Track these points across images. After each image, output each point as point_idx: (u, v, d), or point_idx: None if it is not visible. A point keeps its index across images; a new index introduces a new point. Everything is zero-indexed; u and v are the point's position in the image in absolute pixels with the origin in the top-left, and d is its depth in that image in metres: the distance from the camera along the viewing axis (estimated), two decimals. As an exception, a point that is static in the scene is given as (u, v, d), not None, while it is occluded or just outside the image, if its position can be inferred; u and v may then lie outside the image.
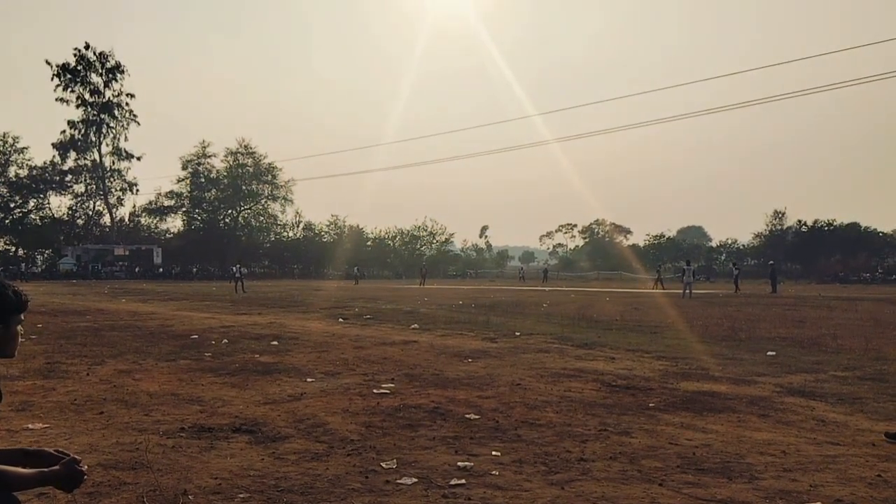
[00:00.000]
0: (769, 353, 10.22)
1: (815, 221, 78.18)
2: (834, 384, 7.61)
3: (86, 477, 2.05)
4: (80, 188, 72.41)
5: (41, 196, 70.69)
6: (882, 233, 77.90)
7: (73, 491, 2.01)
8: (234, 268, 37.06)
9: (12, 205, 69.08)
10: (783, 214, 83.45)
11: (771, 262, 44.58)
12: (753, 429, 5.47)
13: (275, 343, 11.16)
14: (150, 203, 78.58)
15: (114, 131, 71.05)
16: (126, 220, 77.97)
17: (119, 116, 70.74)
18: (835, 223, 76.92)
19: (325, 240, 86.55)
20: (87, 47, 67.86)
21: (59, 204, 73.78)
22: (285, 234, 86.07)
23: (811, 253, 73.71)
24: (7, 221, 68.35)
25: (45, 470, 1.98)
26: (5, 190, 68.40)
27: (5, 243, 70.64)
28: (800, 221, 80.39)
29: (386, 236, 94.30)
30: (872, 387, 7.47)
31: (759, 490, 3.95)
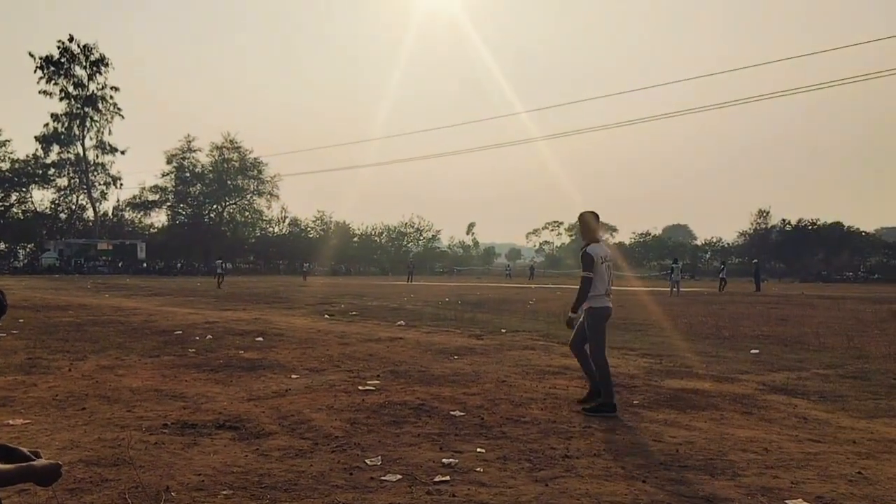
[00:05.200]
0: (752, 350, 10.29)
1: (799, 220, 78.81)
2: (816, 382, 7.68)
3: (63, 470, 2.03)
4: (63, 182, 71.67)
5: (24, 190, 69.85)
6: (865, 232, 78.67)
7: (52, 485, 1.99)
8: (216, 262, 37.23)
9: (-6, 198, 68.30)
10: (768, 213, 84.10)
11: (755, 260, 44.87)
12: (736, 426, 5.51)
13: (259, 339, 11.10)
14: (134, 197, 77.96)
15: (98, 125, 70.40)
16: (110, 214, 77.26)
17: (103, 110, 70.06)
18: (818, 222, 77.57)
19: (311, 236, 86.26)
20: (70, 39, 67.17)
21: (41, 198, 72.97)
22: (271, 229, 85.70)
23: (795, 252, 74.36)
24: (-11, 215, 67.60)
25: (24, 465, 1.96)
26: (-13, 183, 67.63)
27: (-13, 237, 69.88)
28: (784, 220, 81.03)
29: (372, 232, 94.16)
30: (854, 385, 7.54)
31: (742, 487, 3.97)
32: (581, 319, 6.28)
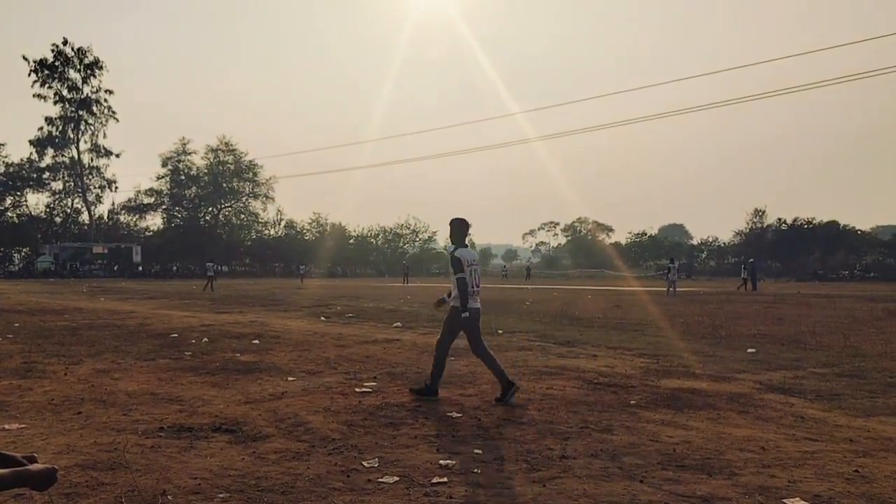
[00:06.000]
0: (749, 350, 10.31)
1: (795, 219, 79.04)
2: (813, 381, 7.69)
3: (59, 475, 2.02)
4: (58, 185, 71.59)
5: (18, 193, 69.73)
6: (860, 231, 78.90)
7: (48, 490, 1.98)
8: (207, 265, 37.15)
9: (-11, 202, 68.09)
10: (763, 212, 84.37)
11: (751, 259, 44.92)
12: (733, 425, 5.51)
13: (256, 342, 11.08)
14: (130, 200, 77.91)
15: (92, 128, 70.30)
16: (105, 217, 77.11)
17: (98, 113, 69.97)
18: (814, 221, 77.81)
19: (307, 238, 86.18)
20: (65, 43, 67.07)
21: (36, 201, 73.03)
22: (267, 231, 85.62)
23: (791, 251, 74.56)
24: (-17, 219, 67.36)
25: (20, 469, 1.94)
26: (-18, 188, 67.41)
27: (-18, 241, 69.63)
28: (780, 219, 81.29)
29: (368, 234, 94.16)
30: (850, 383, 7.56)
31: (739, 486, 3.97)
32: (449, 316, 6.67)
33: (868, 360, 9.33)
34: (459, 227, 6.77)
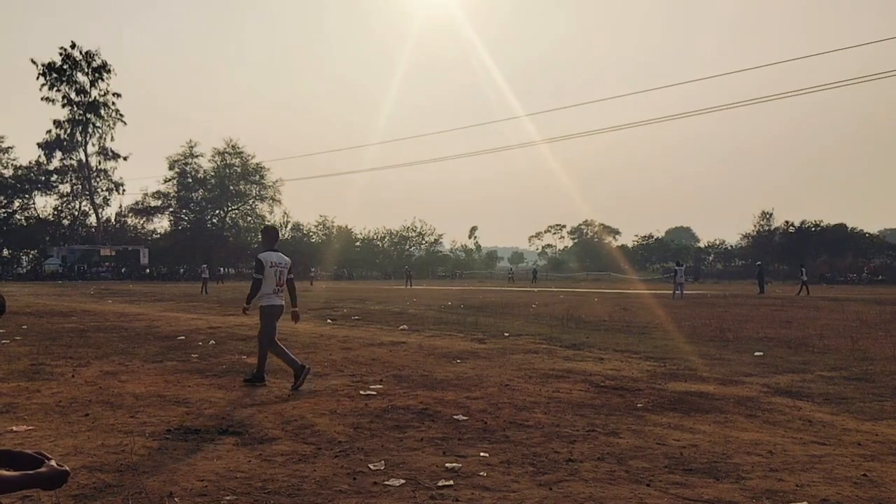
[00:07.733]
0: (756, 353, 10.27)
1: (803, 222, 78.71)
2: (820, 384, 7.66)
3: (69, 475, 2.02)
4: (65, 188, 71.90)
5: (26, 196, 70.06)
6: (868, 234, 78.56)
7: (56, 491, 1.99)
8: (202, 267, 37.54)
9: (-3, 205, 68.44)
10: (770, 215, 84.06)
11: (758, 262, 44.74)
12: (740, 429, 5.49)
13: (262, 344, 11.08)
14: (137, 203, 78.18)
15: (100, 131, 70.63)
16: (112, 220, 77.44)
17: (105, 116, 70.27)
18: (822, 224, 77.49)
19: (313, 241, 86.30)
20: (73, 46, 67.39)
21: (44, 204, 73.48)
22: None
23: (798, 254, 74.26)
24: (-8, 221, 67.71)
25: (31, 472, 1.95)
26: (-10, 190, 67.76)
27: (-10, 243, 69.98)
28: (787, 222, 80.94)
29: (375, 237, 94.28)
30: (858, 387, 7.52)
31: (746, 490, 3.96)
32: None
33: (876, 363, 9.28)
34: (267, 235, 7.81)
